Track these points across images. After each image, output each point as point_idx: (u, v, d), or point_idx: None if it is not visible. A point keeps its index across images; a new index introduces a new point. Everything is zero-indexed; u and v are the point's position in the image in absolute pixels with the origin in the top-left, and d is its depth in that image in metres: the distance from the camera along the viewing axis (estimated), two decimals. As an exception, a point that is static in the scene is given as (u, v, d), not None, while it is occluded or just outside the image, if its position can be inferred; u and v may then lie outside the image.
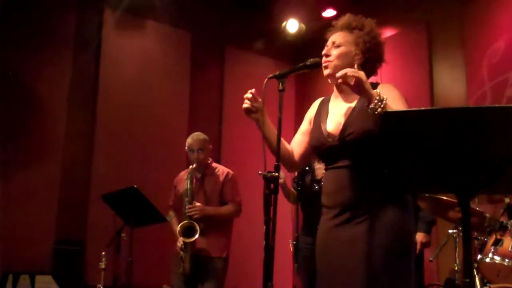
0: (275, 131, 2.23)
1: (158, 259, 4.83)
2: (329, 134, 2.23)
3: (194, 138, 4.11)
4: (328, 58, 2.26)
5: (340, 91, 2.32)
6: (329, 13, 6.27)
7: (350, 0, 5.86)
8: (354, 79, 1.95)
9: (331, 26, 2.38)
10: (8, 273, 4.75)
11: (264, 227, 1.99)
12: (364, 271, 2.04)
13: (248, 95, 2.22)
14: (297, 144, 2.42)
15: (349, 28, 2.30)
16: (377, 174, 2.05)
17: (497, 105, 1.53)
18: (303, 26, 6.46)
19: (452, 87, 5.32)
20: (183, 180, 4.10)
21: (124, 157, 5.60)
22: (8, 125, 5.05)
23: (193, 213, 3.85)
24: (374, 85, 2.27)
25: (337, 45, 2.27)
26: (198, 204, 3.89)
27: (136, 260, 3.84)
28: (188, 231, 3.81)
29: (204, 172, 4.11)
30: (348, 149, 2.15)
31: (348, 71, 1.96)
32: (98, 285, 3.91)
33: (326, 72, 2.27)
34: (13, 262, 4.83)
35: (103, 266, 3.89)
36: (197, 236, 3.77)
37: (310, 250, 3.77)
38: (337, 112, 2.27)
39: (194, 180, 4.02)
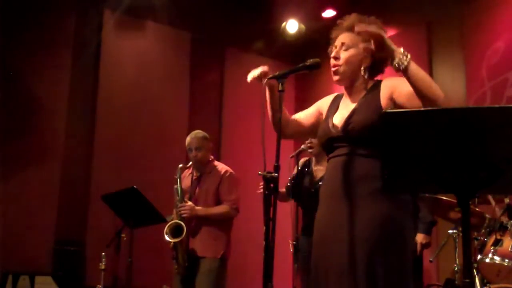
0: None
1: (158, 260, 4.81)
2: (333, 126, 2.27)
3: (192, 136, 4.03)
4: (338, 62, 2.27)
5: (348, 93, 2.34)
6: (329, 13, 6.28)
7: (350, 0, 5.86)
8: (374, 37, 2.05)
9: (336, 25, 2.37)
10: (8, 274, 4.74)
11: (264, 227, 1.99)
12: (349, 264, 2.06)
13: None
14: (297, 120, 2.48)
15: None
16: (374, 166, 2.08)
17: (497, 105, 1.53)
18: (302, 26, 6.46)
19: (452, 87, 5.32)
20: (186, 177, 4.07)
21: (124, 157, 5.60)
22: (8, 125, 5.05)
23: (182, 211, 3.80)
24: (379, 82, 2.28)
25: (346, 48, 2.26)
26: (189, 203, 3.84)
27: (136, 260, 3.84)
28: (176, 231, 3.75)
29: (203, 171, 4.02)
30: (349, 138, 2.19)
31: (368, 28, 2.05)
32: (98, 285, 3.91)
33: (335, 78, 2.29)
34: (13, 262, 4.83)
35: (103, 267, 3.88)
36: (183, 236, 3.69)
37: (310, 251, 3.78)
38: (345, 109, 2.31)
39: (193, 179, 3.99)
